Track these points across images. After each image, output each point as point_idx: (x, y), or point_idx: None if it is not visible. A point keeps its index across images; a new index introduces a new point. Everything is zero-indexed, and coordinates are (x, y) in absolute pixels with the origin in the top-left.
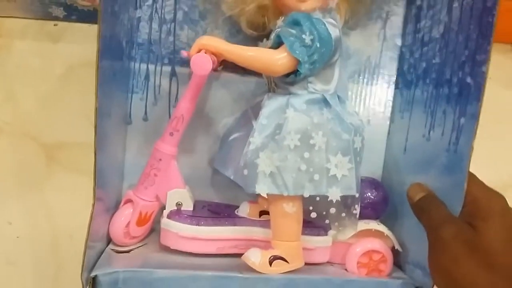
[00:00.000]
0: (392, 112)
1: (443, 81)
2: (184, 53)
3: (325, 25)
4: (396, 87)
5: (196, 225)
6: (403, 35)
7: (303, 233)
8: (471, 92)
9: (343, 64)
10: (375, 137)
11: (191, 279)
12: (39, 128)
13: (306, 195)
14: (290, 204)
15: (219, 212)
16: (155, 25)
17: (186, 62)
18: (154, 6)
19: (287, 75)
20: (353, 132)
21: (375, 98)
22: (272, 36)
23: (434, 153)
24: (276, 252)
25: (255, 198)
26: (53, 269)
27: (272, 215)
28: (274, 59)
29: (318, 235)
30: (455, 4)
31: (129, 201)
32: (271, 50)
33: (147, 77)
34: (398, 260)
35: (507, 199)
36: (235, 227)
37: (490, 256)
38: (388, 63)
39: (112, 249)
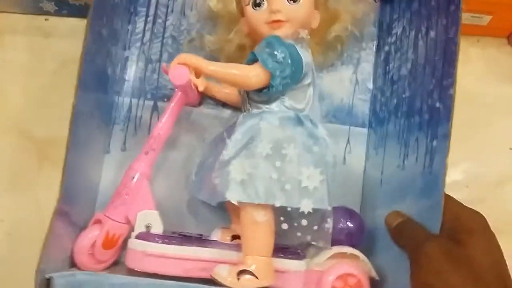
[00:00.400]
0: (367, 150)
1: (414, 111)
2: (164, 67)
3: (296, 48)
4: (370, 127)
5: (165, 243)
6: (374, 79)
7: (277, 256)
8: (441, 115)
9: (316, 91)
10: (351, 176)
11: (152, 287)
12: (31, 124)
13: (277, 205)
14: (261, 213)
15: (189, 236)
16: (141, 64)
17: (168, 97)
18: (142, 48)
19: (260, 90)
20: (324, 146)
21: (350, 138)
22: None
23: (410, 179)
24: (245, 267)
25: (227, 225)
26: None
27: (242, 226)
28: (249, 74)
29: (292, 258)
30: (420, 42)
31: (98, 221)
32: (246, 65)
33: (129, 109)
34: None
35: (503, 194)
36: (205, 248)
37: (476, 268)
38: (361, 105)
39: None
